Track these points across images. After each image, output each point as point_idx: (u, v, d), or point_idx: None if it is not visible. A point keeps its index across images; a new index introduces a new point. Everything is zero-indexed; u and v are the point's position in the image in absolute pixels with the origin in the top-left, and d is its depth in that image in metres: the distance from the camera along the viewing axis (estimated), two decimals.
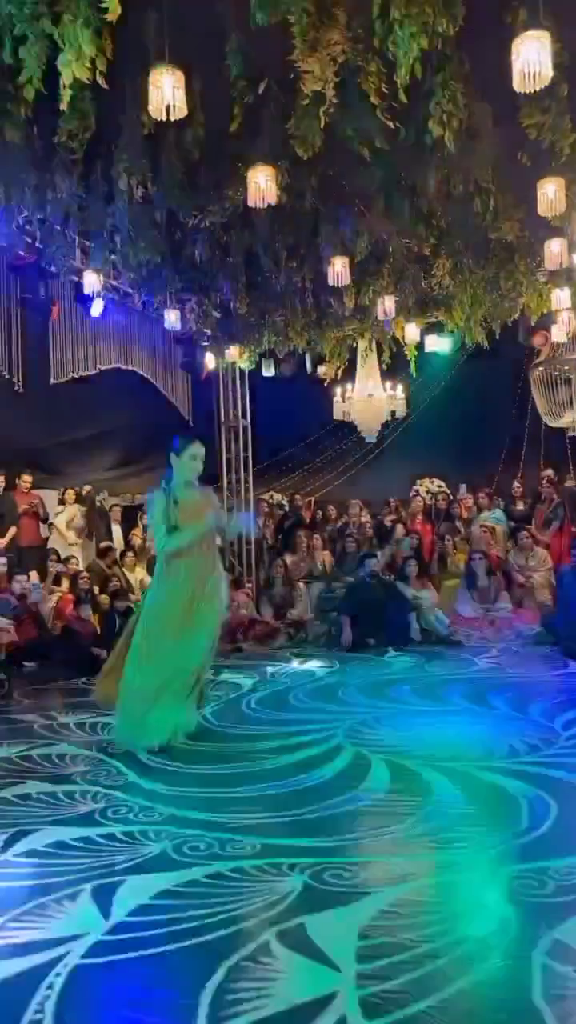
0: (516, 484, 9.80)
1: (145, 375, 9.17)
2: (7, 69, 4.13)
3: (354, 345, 9.59)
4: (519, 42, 3.91)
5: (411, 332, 8.82)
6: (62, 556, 8.15)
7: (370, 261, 7.20)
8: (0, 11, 3.77)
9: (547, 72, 3.92)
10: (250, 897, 2.33)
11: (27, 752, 4.03)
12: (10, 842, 2.83)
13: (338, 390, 10.33)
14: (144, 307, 8.51)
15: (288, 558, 8.55)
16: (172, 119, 4.20)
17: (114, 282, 7.86)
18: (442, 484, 11.27)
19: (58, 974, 1.94)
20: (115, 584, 7.61)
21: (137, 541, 8.88)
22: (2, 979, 1.95)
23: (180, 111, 4.13)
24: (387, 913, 2.21)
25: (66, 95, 3.94)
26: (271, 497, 11.23)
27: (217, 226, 6.42)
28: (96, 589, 7.49)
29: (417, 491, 10.86)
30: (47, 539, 8.73)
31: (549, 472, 9.50)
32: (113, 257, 6.82)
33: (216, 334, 9.16)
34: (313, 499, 11.66)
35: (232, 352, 9.36)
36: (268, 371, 10.22)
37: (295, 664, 6.52)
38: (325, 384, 10.19)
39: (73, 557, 8.16)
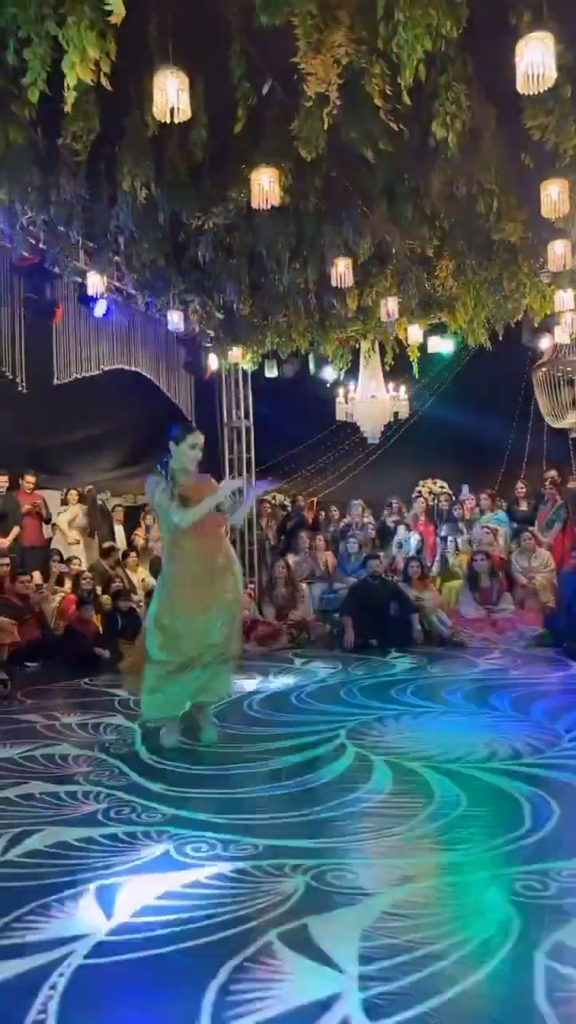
0: (520, 485, 9.80)
1: (148, 376, 9.19)
2: (11, 71, 4.14)
3: (357, 346, 9.60)
4: (523, 44, 3.92)
5: (414, 333, 8.82)
6: (65, 556, 8.16)
7: (373, 262, 7.21)
8: (5, 13, 3.78)
9: (551, 74, 3.93)
10: (252, 898, 2.33)
11: (30, 752, 4.04)
12: (13, 842, 2.83)
13: (341, 391, 10.34)
14: (147, 308, 8.52)
15: (290, 559, 8.55)
16: (176, 121, 4.21)
17: (117, 283, 7.87)
18: (444, 485, 11.27)
19: (61, 974, 1.95)
20: (117, 584, 7.62)
21: (140, 541, 8.90)
22: (5, 979, 1.96)
23: (184, 114, 4.14)
24: (390, 914, 2.21)
25: (70, 97, 3.94)
26: (273, 498, 11.23)
27: (220, 227, 6.43)
28: (98, 589, 7.50)
29: (419, 492, 10.86)
30: (50, 539, 8.75)
31: (552, 473, 9.50)
32: (117, 258, 6.83)
33: (219, 335, 9.17)
34: (315, 500, 11.66)
35: (235, 353, 9.37)
36: (271, 372, 10.23)
37: (297, 665, 6.52)
38: (329, 386, 10.21)
39: (76, 558, 8.18)
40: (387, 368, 9.70)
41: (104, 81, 3.89)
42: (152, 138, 5.05)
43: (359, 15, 4.01)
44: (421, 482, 11.38)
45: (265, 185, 5.12)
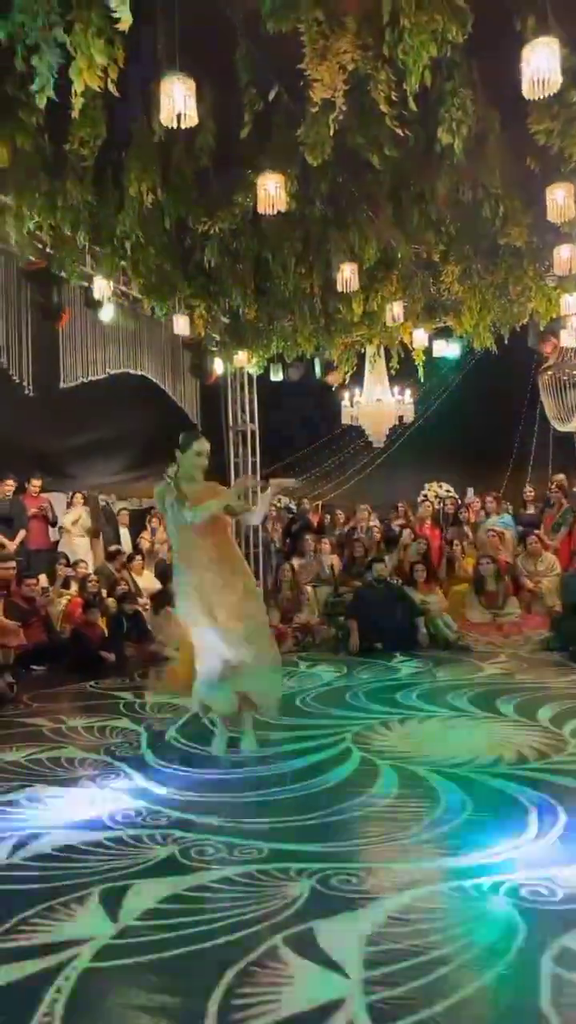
0: (528, 489, 9.79)
1: (154, 379, 9.22)
2: (19, 77, 4.17)
3: (362, 351, 9.61)
4: (528, 49, 3.93)
5: (419, 337, 8.83)
6: (71, 559, 8.19)
7: (379, 267, 7.22)
8: (13, 20, 3.81)
9: (556, 79, 3.94)
10: (258, 902, 2.33)
11: (36, 755, 4.05)
12: (19, 845, 2.85)
13: (346, 395, 10.35)
14: (153, 312, 8.55)
15: (296, 562, 8.55)
16: (183, 127, 4.23)
17: (124, 288, 7.91)
18: (450, 489, 11.27)
19: (67, 977, 1.96)
20: (123, 588, 7.63)
21: (145, 545, 8.91)
22: (12, 981, 1.96)
23: (191, 119, 4.16)
24: (395, 919, 2.21)
25: (77, 103, 3.97)
26: (279, 501, 11.25)
27: (227, 232, 6.45)
28: (104, 592, 7.52)
29: (425, 495, 10.86)
30: (56, 542, 8.78)
31: (560, 477, 9.47)
32: (123, 263, 6.86)
33: (225, 339, 9.20)
34: (321, 503, 11.68)
35: (240, 357, 9.40)
36: (276, 376, 10.26)
37: (302, 668, 6.52)
38: (333, 390, 10.22)
39: (82, 561, 8.20)
40: (392, 372, 9.70)
41: (111, 87, 3.92)
42: (159, 144, 5.08)
43: (365, 22, 4.03)
44: (427, 485, 11.38)
45: (271, 190, 5.13)
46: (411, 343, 8.90)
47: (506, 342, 8.57)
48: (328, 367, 9.92)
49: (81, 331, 8.00)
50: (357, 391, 10.35)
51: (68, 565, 8.03)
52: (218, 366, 9.68)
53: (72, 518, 8.90)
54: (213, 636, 3.84)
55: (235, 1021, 1.77)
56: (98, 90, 3.91)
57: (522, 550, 8.32)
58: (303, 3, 3.93)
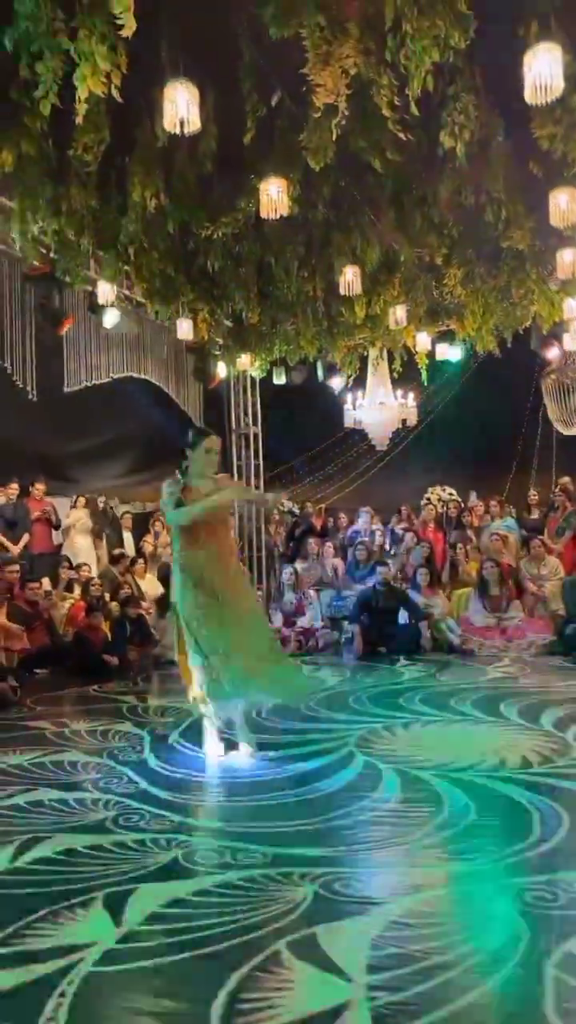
0: (532, 492, 9.78)
1: (157, 383, 9.24)
2: (24, 83, 4.19)
3: (365, 354, 9.61)
4: (531, 55, 3.95)
5: (422, 340, 8.83)
6: (74, 563, 8.20)
7: (381, 271, 7.23)
8: (18, 27, 3.83)
9: (559, 84, 3.97)
10: (261, 906, 2.33)
11: (39, 759, 4.05)
12: (22, 849, 2.84)
13: (349, 398, 10.36)
14: (156, 316, 8.57)
15: (299, 565, 8.56)
16: (186, 133, 4.25)
17: (127, 292, 7.92)
18: (453, 492, 11.27)
19: (70, 982, 1.95)
20: (126, 591, 7.64)
21: (148, 548, 8.92)
22: (15, 986, 1.96)
23: (193, 125, 4.18)
24: (398, 924, 2.21)
25: (81, 109, 3.99)
26: (282, 504, 11.25)
27: (229, 237, 6.47)
28: (107, 596, 7.53)
29: (428, 499, 10.86)
30: (60, 546, 8.80)
31: (564, 480, 9.47)
32: (126, 268, 6.88)
33: (228, 343, 9.21)
34: (324, 507, 11.68)
35: (243, 360, 9.41)
36: (279, 379, 10.28)
37: (305, 672, 6.51)
38: (338, 394, 10.23)
39: (85, 564, 8.21)
40: (395, 375, 9.71)
41: (115, 93, 3.93)
42: (162, 149, 5.10)
43: (367, 27, 4.04)
44: (430, 489, 11.38)
45: (274, 195, 5.15)
46: (414, 346, 8.91)
47: (509, 345, 8.58)
48: (331, 370, 9.94)
49: (84, 335, 8.03)
50: (360, 394, 10.36)
51: (71, 568, 8.04)
52: (221, 370, 9.70)
53: (73, 520, 8.93)
54: (212, 635, 3.86)
55: None
56: (102, 96, 3.94)
57: (526, 554, 8.31)
58: (306, 8, 3.95)
